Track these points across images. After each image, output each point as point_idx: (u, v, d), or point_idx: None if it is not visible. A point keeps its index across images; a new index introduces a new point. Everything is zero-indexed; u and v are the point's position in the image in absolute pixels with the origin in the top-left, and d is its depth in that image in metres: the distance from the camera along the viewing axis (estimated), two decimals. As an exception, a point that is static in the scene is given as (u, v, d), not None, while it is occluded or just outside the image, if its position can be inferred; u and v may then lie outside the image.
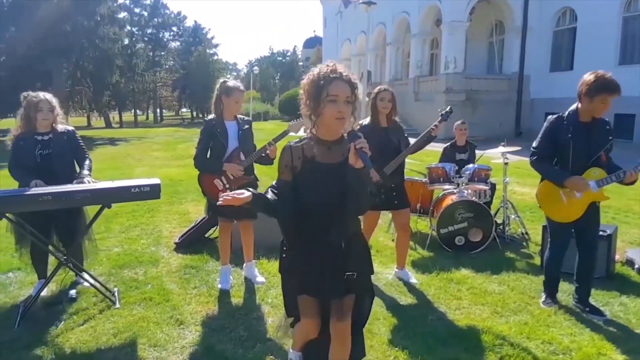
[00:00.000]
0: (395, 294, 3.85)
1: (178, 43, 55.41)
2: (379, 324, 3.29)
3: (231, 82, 3.79)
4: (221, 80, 3.84)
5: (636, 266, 4.31)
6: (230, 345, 2.99)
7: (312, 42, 53.83)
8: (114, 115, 48.22)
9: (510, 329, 3.23)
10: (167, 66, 53.69)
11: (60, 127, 3.69)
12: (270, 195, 2.04)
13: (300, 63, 63.25)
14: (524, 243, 5.22)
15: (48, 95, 3.64)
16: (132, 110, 51.96)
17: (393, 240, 5.30)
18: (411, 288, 3.96)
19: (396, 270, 4.26)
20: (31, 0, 19.14)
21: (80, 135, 4.00)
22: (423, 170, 8.94)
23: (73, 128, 3.84)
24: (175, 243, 5.05)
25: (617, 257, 4.45)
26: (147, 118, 59.95)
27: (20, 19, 19.26)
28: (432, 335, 3.10)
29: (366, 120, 4.02)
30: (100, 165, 12.04)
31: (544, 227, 4.42)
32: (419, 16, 19.83)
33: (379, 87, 4.08)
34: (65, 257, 3.51)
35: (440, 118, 3.93)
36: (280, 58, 71.61)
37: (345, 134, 1.97)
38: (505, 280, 4.12)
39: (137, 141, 20.14)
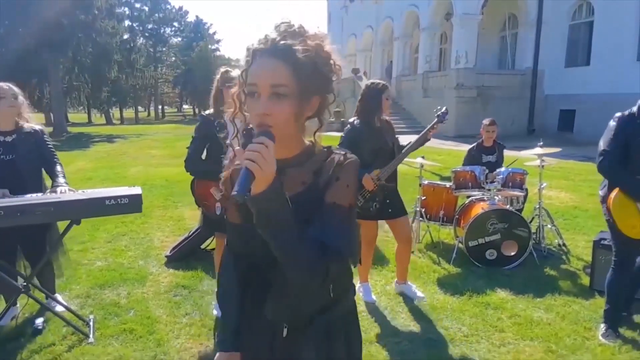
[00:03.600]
0: (424, 324, 3.22)
1: (179, 39, 54.71)
2: (409, 367, 2.68)
3: (235, 72, 3.14)
4: (222, 69, 3.16)
5: None
6: (226, 399, 2.38)
7: (316, 38, 53.05)
8: (114, 112, 47.71)
9: (571, 374, 2.61)
10: (168, 62, 53.09)
11: (27, 126, 3.05)
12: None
13: (304, 59, 62.35)
14: (564, 257, 4.58)
15: (9, 84, 3.01)
16: (133, 107, 51.41)
17: (413, 252, 4.67)
18: (442, 316, 3.33)
19: (397, 284, 3.78)
20: (26, -7, 18.53)
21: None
22: (439, 171, 8.33)
23: (41, 127, 3.20)
24: (166, 256, 4.45)
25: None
26: (149, 115, 59.42)
27: (16, 13, 18.65)
28: (478, 386, 2.49)
29: (352, 118, 3.45)
30: (93, 164, 11.46)
31: (596, 242, 3.79)
32: (429, 9, 19.08)
33: (381, 82, 3.46)
34: (25, 284, 2.89)
35: (436, 119, 3.47)
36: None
37: (314, 142, 1.15)
38: (552, 305, 3.49)
39: (136, 138, 19.53)
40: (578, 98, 15.76)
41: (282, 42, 1.03)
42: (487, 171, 4.64)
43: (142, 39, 47.16)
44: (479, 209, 4.36)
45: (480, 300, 3.57)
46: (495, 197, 4.49)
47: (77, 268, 4.20)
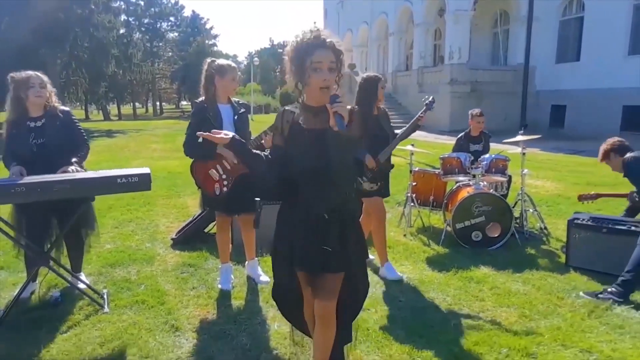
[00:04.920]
0: (412, 295, 3.52)
1: (176, 34, 54.72)
2: (397, 329, 2.97)
3: (222, 60, 3.44)
4: (208, 60, 3.47)
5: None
6: (232, 355, 2.67)
7: (312, 34, 53.10)
8: (112, 108, 47.75)
9: (542, 335, 2.91)
10: (165, 57, 53.07)
11: (54, 110, 3.30)
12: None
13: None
14: (544, 239, 4.89)
15: (38, 73, 3.27)
16: (131, 103, 51.45)
17: (405, 235, 4.99)
18: (429, 288, 3.63)
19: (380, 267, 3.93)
20: (25, -12, 18.65)
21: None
22: (432, 161, 8.63)
23: (68, 109, 3.45)
24: (172, 239, 4.72)
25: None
26: (147, 111, 59.43)
27: (14, 8, 18.75)
28: (457, 344, 2.78)
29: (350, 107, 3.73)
30: (96, 157, 11.65)
31: (570, 222, 4.10)
32: (422, 5, 19.38)
33: (375, 74, 3.84)
34: (43, 256, 3.16)
35: (425, 107, 3.82)
36: (281, 50, 70.44)
37: None
38: (530, 279, 3.80)
39: (135, 133, 19.76)
40: (568, 93, 16.08)
41: (327, 40, 1.88)
42: (472, 158, 4.93)
43: (138, 33, 47.14)
44: (464, 193, 4.66)
45: (465, 276, 3.87)
46: (481, 182, 4.79)
47: (87, 250, 4.45)
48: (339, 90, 1.94)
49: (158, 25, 51.75)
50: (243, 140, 2.08)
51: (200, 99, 3.50)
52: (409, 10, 20.69)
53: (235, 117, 3.45)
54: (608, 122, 14.30)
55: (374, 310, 3.21)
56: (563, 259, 4.20)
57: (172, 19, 53.34)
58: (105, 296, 3.38)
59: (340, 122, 1.80)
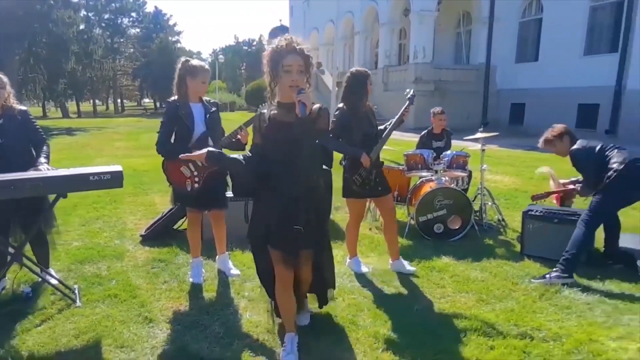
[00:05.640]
0: (377, 284, 3.70)
1: (138, 30, 53.35)
2: (364, 315, 3.13)
3: (195, 61, 3.49)
4: (182, 59, 3.53)
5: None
6: (206, 343, 2.76)
7: (279, 32, 52.99)
8: (70, 105, 46.11)
9: (497, 316, 3.13)
10: (126, 54, 51.68)
11: (12, 109, 3.28)
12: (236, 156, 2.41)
13: (267, 53, 61.99)
14: (502, 230, 5.19)
15: None
16: (91, 100, 49.87)
17: (370, 229, 5.17)
18: (393, 278, 3.82)
19: (392, 263, 3.99)
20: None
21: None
22: (397, 158, 8.89)
23: (26, 108, 3.43)
24: (141, 235, 4.73)
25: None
26: (107, 108, 57.71)
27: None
28: (419, 326, 2.97)
29: (340, 104, 3.78)
30: (56, 155, 11.27)
31: (524, 213, 4.38)
32: (388, 5, 19.74)
33: (365, 70, 3.84)
34: (15, 252, 3.15)
35: (408, 102, 3.81)
36: (246, 47, 70.12)
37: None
38: (487, 267, 4.05)
39: (97, 131, 19.26)
40: (527, 92, 16.76)
41: (298, 47, 2.27)
42: (434, 154, 5.16)
43: (98, 29, 45.72)
44: (427, 188, 4.88)
45: (427, 265, 4.08)
46: (443, 177, 5.03)
47: (55, 248, 4.40)
48: (310, 89, 2.30)
49: (119, 21, 50.33)
50: (218, 151, 2.38)
51: (172, 98, 3.56)
52: (374, 10, 21.02)
53: (207, 116, 3.52)
54: (564, 120, 14.76)
55: (341, 299, 3.36)
56: (518, 248, 4.48)
57: (133, 14, 51.96)
58: (76, 291, 3.39)
59: (302, 109, 2.16)
